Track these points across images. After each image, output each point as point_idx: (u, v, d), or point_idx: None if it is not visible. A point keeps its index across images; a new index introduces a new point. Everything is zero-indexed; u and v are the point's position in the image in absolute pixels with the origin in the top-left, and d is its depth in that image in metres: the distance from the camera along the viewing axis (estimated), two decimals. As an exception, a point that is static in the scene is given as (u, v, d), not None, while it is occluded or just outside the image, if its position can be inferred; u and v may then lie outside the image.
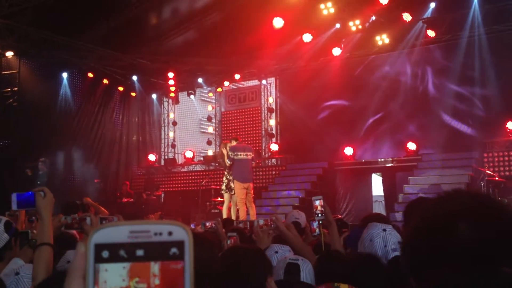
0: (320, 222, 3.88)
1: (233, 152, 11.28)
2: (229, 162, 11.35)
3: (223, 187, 11.75)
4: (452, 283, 0.99)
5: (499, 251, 0.99)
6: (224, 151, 11.73)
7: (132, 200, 16.09)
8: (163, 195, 16.86)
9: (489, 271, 0.98)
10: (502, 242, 1.00)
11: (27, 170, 13.67)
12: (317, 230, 4.21)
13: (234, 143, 11.63)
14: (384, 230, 2.85)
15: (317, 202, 3.85)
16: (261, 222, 4.38)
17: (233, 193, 11.48)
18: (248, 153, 11.55)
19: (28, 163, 13.87)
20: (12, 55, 15.39)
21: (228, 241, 4.06)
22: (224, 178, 11.75)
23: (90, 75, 17.42)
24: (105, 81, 17.95)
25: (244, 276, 2.34)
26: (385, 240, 2.78)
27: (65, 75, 17.00)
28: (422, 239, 1.08)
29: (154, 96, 20.17)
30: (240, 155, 11.31)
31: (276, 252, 3.35)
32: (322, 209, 3.82)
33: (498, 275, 0.97)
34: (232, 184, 11.48)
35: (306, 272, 2.80)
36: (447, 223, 1.05)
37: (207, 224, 5.49)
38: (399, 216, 11.15)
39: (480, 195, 1.11)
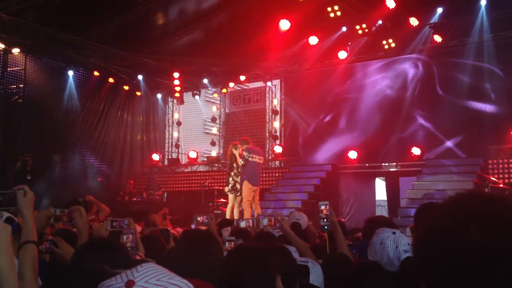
0: (326, 227, 3.89)
1: (248, 153, 11.28)
2: (242, 162, 11.32)
3: (229, 187, 11.70)
4: None
5: None
6: (235, 152, 11.69)
7: (135, 199, 16.10)
8: (165, 195, 16.85)
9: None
10: None
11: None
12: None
13: (245, 145, 11.62)
14: (394, 233, 2.83)
15: (323, 207, 3.86)
16: (265, 222, 4.35)
17: (238, 194, 11.45)
18: (261, 158, 11.61)
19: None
20: (19, 52, 15.42)
21: (227, 244, 3.99)
22: (230, 179, 11.68)
23: (96, 73, 17.43)
24: (111, 80, 17.95)
25: (251, 281, 2.30)
26: (396, 242, 2.75)
27: (71, 73, 17.02)
28: (433, 244, 1.06)
29: (159, 95, 20.18)
30: (254, 157, 11.33)
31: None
32: (328, 213, 3.82)
33: None
34: (238, 186, 11.45)
35: (316, 275, 2.78)
36: (459, 226, 1.02)
37: (199, 218, 5.41)
38: (401, 221, 11.11)
39: (493, 197, 1.09)
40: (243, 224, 5.59)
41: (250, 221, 5.73)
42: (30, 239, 2.52)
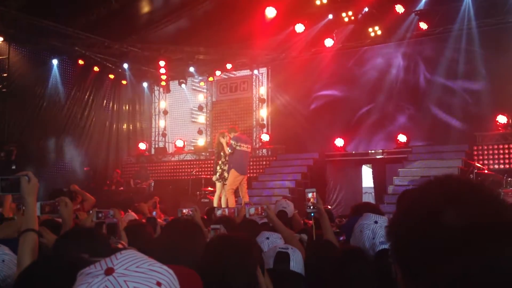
0: (312, 214, 3.90)
1: (236, 142, 11.21)
2: (229, 151, 11.26)
3: (217, 176, 11.66)
4: (449, 277, 0.97)
5: (490, 236, 0.97)
6: (223, 141, 11.65)
7: (122, 188, 16.03)
8: (152, 184, 16.81)
9: (487, 259, 0.95)
10: (493, 227, 0.98)
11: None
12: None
13: (232, 133, 11.57)
14: (376, 222, 2.84)
15: (310, 195, 3.86)
16: (252, 210, 4.37)
17: (226, 183, 11.41)
18: (249, 146, 11.56)
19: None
20: (2, 41, 15.23)
21: (212, 232, 3.99)
22: (218, 168, 11.64)
23: (81, 62, 17.26)
24: (96, 69, 17.79)
25: (231, 272, 2.30)
26: (374, 233, 2.77)
27: (55, 61, 16.85)
28: (407, 227, 1.05)
29: (145, 84, 20.06)
30: (242, 146, 11.28)
31: (267, 238, 3.36)
32: (315, 201, 3.83)
33: (498, 263, 0.94)
34: (225, 174, 11.42)
35: (296, 261, 2.79)
36: (435, 209, 1.02)
37: (184, 211, 5.42)
38: (388, 207, 11.18)
39: (470, 181, 1.08)
40: (219, 213, 5.64)
41: (232, 209, 5.77)
42: (31, 227, 2.46)
